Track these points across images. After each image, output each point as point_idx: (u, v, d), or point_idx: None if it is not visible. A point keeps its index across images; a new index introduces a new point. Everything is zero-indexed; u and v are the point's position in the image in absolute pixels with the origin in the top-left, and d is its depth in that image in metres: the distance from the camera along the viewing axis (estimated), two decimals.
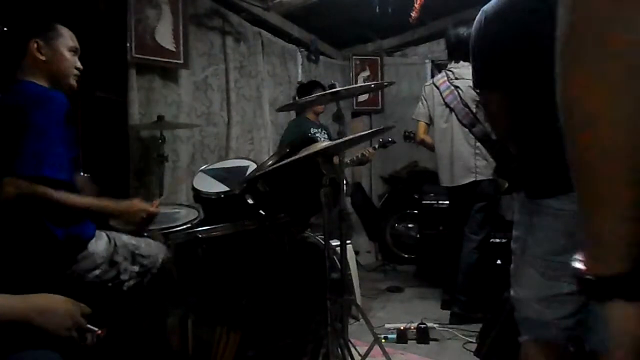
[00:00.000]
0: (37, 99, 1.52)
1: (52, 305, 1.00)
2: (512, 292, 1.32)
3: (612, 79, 0.45)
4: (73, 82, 1.73)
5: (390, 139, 3.69)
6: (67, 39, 1.71)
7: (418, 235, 4.28)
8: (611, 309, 0.50)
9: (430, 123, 3.17)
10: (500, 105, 1.33)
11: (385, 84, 2.62)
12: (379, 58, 5.05)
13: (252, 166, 2.42)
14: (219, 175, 2.37)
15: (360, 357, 1.97)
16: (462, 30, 2.95)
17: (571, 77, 0.48)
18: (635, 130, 0.45)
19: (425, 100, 3.15)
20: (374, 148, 3.80)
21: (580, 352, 1.35)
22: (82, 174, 2.01)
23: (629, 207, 0.47)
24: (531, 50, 1.19)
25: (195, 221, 2.10)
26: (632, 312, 0.49)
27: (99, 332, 1.06)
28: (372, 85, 2.54)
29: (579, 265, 0.53)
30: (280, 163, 1.94)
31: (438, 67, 4.49)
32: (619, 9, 0.43)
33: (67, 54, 1.70)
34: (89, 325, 1.05)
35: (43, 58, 1.65)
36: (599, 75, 0.45)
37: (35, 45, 1.63)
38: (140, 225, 1.78)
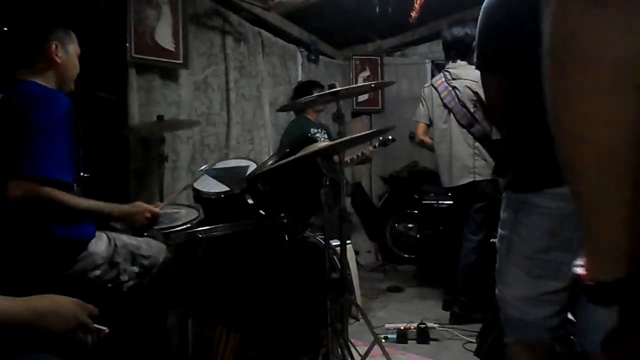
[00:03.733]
0: (41, 100, 1.53)
1: (55, 307, 0.99)
2: (497, 292, 1.32)
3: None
4: (73, 85, 1.76)
5: (390, 137, 3.69)
6: (77, 45, 1.74)
7: (418, 235, 4.28)
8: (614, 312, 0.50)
9: (430, 124, 3.18)
10: (498, 89, 1.33)
11: (385, 83, 2.62)
12: (379, 58, 5.04)
13: (252, 166, 2.42)
14: (219, 175, 2.37)
15: (360, 357, 1.97)
16: (458, 30, 2.96)
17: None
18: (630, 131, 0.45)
19: (425, 102, 3.16)
20: (375, 147, 3.79)
21: (570, 352, 1.34)
22: (82, 174, 2.01)
23: (627, 209, 0.47)
24: (531, 39, 1.19)
25: (195, 221, 2.10)
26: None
27: (107, 331, 1.06)
28: (372, 85, 2.53)
29: (580, 270, 0.53)
30: (280, 162, 1.94)
31: (438, 67, 4.49)
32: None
33: (76, 59, 1.73)
34: (96, 325, 1.04)
35: (59, 60, 1.66)
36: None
37: (54, 46, 1.64)
38: (144, 227, 1.79)
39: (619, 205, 0.47)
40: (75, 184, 1.65)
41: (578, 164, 0.49)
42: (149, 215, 1.75)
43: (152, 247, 1.80)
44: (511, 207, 1.27)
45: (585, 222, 0.51)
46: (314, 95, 2.53)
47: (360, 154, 3.68)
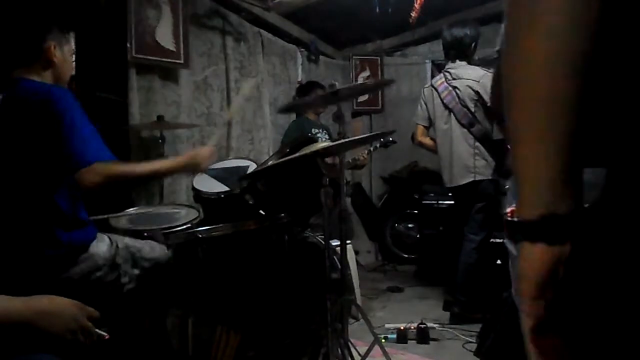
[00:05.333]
0: (52, 95, 1.52)
1: (56, 307, 0.99)
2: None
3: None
4: (66, 86, 1.76)
5: (390, 139, 3.69)
6: (72, 44, 1.74)
7: (418, 235, 4.28)
8: (521, 249, 0.55)
9: (428, 125, 3.18)
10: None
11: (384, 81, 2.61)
12: (379, 58, 5.05)
13: (252, 166, 2.42)
14: (219, 175, 2.37)
15: (360, 357, 1.97)
16: (457, 30, 2.97)
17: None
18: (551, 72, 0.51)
19: (425, 104, 3.16)
20: (370, 151, 3.79)
21: None
22: None
23: (548, 145, 0.52)
24: None
25: (195, 221, 2.10)
26: (550, 254, 0.53)
27: (107, 336, 1.06)
28: (371, 83, 2.53)
29: (508, 210, 0.58)
30: (279, 161, 1.94)
31: (438, 67, 4.49)
32: None
33: (71, 59, 1.74)
34: (97, 330, 1.04)
35: (56, 61, 1.66)
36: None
37: (52, 47, 1.64)
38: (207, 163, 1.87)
39: (540, 143, 0.52)
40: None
41: (510, 103, 0.55)
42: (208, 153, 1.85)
43: (153, 250, 1.80)
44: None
45: (514, 162, 0.55)
46: (315, 97, 2.53)
47: (350, 160, 3.67)
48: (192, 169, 1.87)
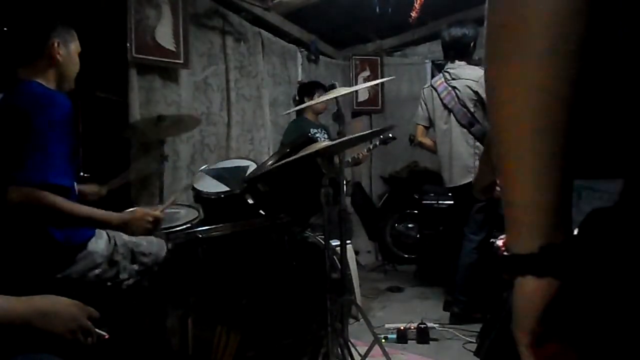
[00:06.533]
0: (42, 101, 1.51)
1: (56, 307, 0.99)
2: None
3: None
4: (73, 83, 1.75)
5: (390, 135, 3.69)
6: (77, 42, 1.74)
7: (418, 235, 4.28)
8: (522, 284, 0.51)
9: (429, 126, 3.18)
10: None
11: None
12: (379, 58, 5.04)
13: (252, 166, 2.42)
14: (219, 175, 2.37)
15: (360, 357, 1.97)
16: (455, 30, 2.97)
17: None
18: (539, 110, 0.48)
19: (425, 104, 3.16)
20: (370, 148, 3.79)
21: None
22: (82, 174, 2.00)
23: (537, 181, 0.49)
24: None
25: (195, 221, 2.10)
26: (542, 287, 0.50)
27: (106, 336, 1.06)
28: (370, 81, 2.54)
29: (499, 242, 0.56)
30: (280, 163, 1.94)
31: (438, 67, 4.49)
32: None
33: (77, 57, 1.73)
34: (97, 330, 1.04)
35: (60, 59, 1.65)
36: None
37: (56, 44, 1.64)
38: (146, 233, 1.69)
39: (532, 174, 0.49)
40: (75, 188, 1.64)
41: (497, 129, 0.52)
42: (150, 219, 1.65)
43: (152, 245, 1.79)
44: None
45: (504, 194, 0.53)
46: (320, 100, 2.53)
47: (352, 158, 3.68)
48: (124, 230, 1.64)
